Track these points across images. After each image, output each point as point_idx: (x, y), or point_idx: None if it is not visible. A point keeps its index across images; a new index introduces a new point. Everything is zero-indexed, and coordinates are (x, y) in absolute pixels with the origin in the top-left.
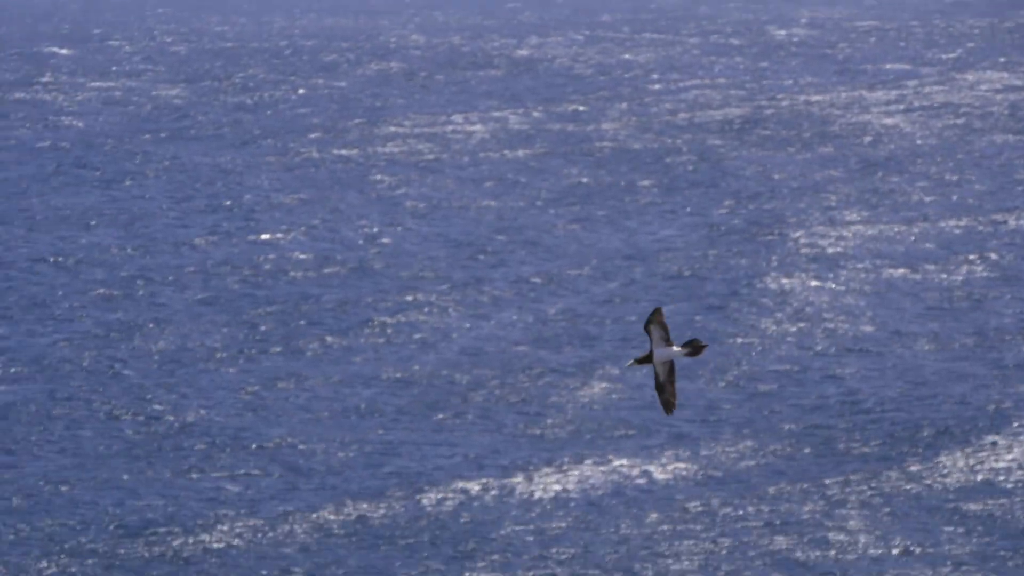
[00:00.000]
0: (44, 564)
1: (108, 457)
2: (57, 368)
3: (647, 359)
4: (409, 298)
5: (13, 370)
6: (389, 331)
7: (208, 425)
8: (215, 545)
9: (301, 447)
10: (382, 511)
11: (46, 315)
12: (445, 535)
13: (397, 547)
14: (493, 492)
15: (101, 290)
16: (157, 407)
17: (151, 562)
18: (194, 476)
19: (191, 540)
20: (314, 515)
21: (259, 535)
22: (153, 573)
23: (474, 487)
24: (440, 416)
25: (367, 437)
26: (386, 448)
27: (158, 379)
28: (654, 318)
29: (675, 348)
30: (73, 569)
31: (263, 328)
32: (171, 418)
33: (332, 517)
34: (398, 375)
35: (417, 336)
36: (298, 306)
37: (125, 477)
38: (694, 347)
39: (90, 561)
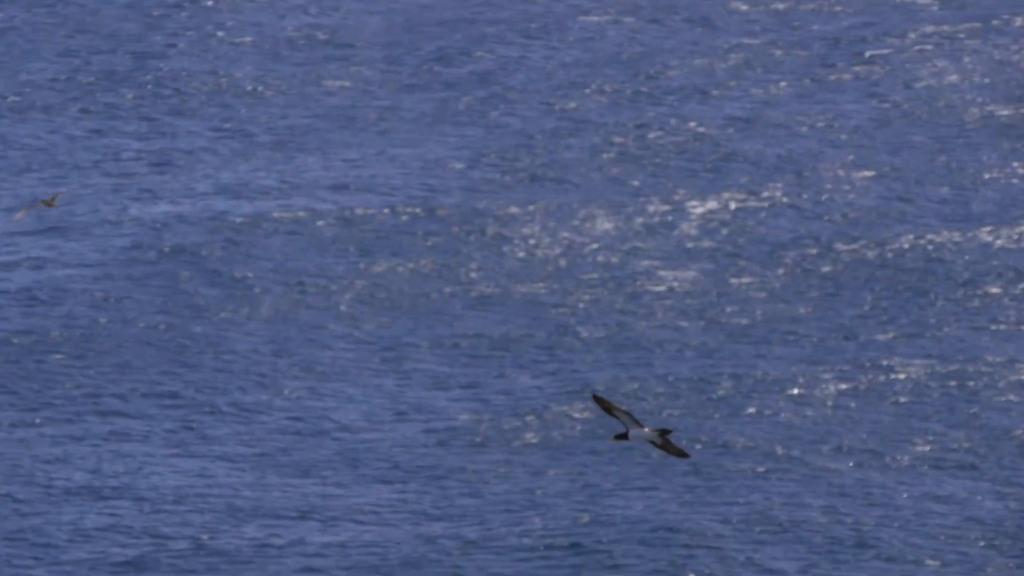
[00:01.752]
0: None
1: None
2: (453, 120)
3: (624, 436)
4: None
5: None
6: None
7: None
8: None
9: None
10: (797, 260)
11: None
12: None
13: (843, 291)
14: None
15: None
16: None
17: None
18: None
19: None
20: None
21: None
22: None
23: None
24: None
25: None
26: (816, 194)
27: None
28: (608, 407)
29: (646, 430)
30: None
31: None
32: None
33: (712, 284)
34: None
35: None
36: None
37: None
38: (663, 437)
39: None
